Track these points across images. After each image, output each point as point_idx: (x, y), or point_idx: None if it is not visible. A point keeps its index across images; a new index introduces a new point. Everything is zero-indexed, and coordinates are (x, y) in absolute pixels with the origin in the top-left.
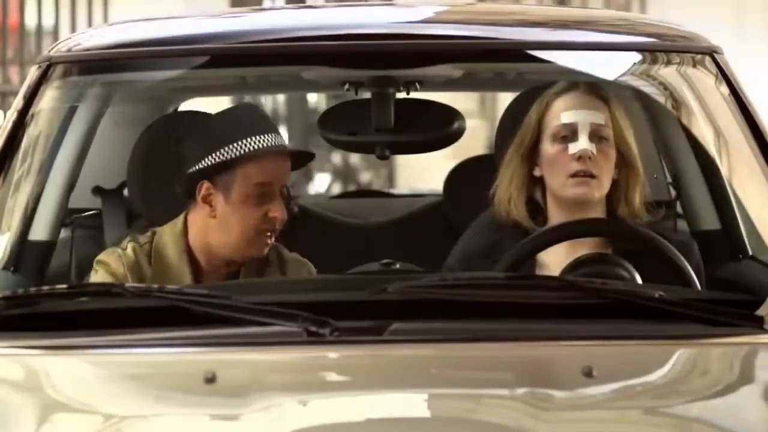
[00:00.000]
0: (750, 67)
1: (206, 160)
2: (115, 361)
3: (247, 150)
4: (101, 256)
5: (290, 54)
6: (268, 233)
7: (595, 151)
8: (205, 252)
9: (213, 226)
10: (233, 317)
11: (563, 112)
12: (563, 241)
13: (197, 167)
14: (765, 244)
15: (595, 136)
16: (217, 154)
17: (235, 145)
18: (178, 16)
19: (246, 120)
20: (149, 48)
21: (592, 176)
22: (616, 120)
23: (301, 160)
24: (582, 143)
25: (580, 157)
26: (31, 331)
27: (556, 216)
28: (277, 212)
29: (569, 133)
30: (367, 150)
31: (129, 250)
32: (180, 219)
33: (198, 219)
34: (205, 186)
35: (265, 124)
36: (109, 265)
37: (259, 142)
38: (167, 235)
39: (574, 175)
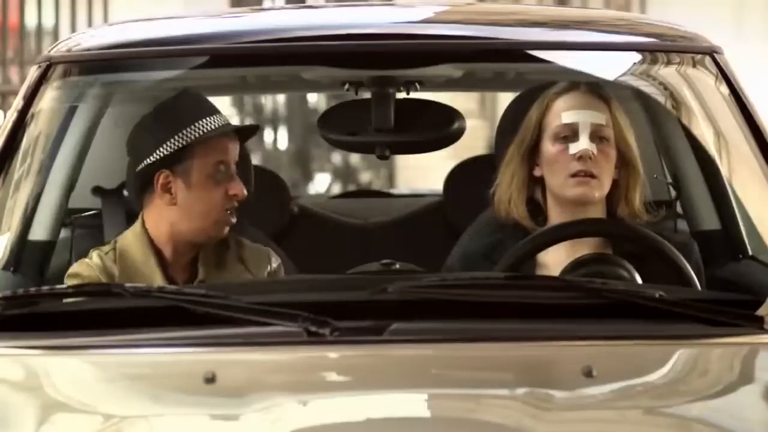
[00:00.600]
0: (750, 67)
1: (162, 149)
2: (115, 361)
3: (201, 132)
4: (72, 270)
5: (290, 54)
6: (230, 212)
7: (595, 151)
8: (168, 241)
9: (174, 213)
10: (233, 317)
11: (564, 112)
12: (563, 241)
13: (153, 158)
14: (765, 244)
15: (596, 136)
16: (173, 141)
17: (190, 129)
18: (178, 16)
19: (193, 105)
20: (149, 48)
21: (592, 176)
22: (617, 120)
23: (247, 135)
24: (582, 143)
25: (581, 157)
26: (31, 331)
27: (556, 216)
28: (237, 189)
29: (570, 133)
30: (367, 150)
31: (95, 259)
32: (139, 218)
33: (157, 210)
34: (163, 175)
35: (210, 107)
36: (81, 275)
37: (211, 123)
38: (129, 236)
39: (574, 175)
